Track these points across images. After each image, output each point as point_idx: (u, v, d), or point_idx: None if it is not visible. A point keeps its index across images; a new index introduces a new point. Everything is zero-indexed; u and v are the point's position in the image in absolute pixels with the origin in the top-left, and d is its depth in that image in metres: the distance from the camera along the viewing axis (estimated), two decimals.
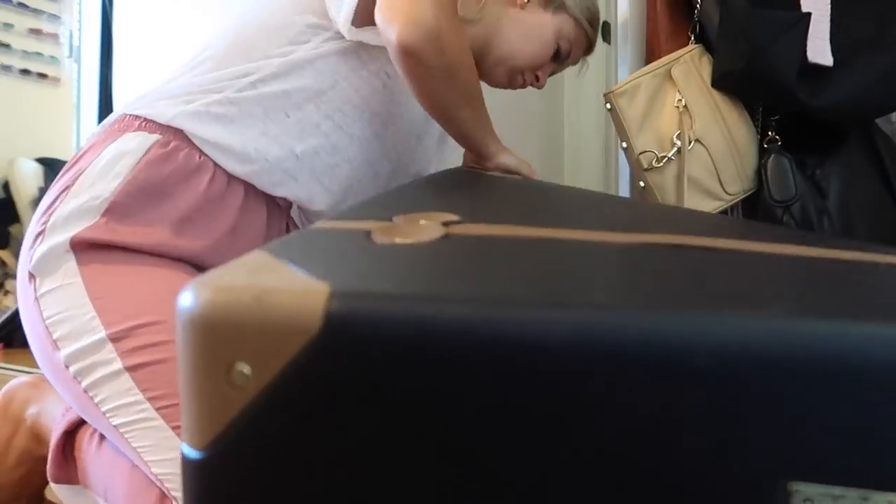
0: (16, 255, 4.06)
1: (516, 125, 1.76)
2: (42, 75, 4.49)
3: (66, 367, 0.72)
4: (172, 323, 0.73)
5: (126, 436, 0.69)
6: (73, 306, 0.72)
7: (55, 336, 0.73)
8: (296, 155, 0.85)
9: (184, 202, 0.79)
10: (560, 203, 0.67)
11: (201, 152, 0.80)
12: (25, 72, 4.41)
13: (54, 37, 4.59)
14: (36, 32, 4.52)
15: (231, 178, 0.83)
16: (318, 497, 0.27)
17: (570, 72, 1.94)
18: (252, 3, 0.92)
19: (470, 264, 0.35)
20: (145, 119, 0.81)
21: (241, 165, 0.82)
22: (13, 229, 4.11)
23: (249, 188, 0.85)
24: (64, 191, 0.78)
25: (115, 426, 0.70)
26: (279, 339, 0.27)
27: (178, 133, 0.80)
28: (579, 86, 1.93)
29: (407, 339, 0.26)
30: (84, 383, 0.72)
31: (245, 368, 0.27)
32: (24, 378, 1.02)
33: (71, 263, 0.74)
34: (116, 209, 0.76)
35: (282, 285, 0.28)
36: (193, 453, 0.29)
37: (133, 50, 2.29)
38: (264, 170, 0.84)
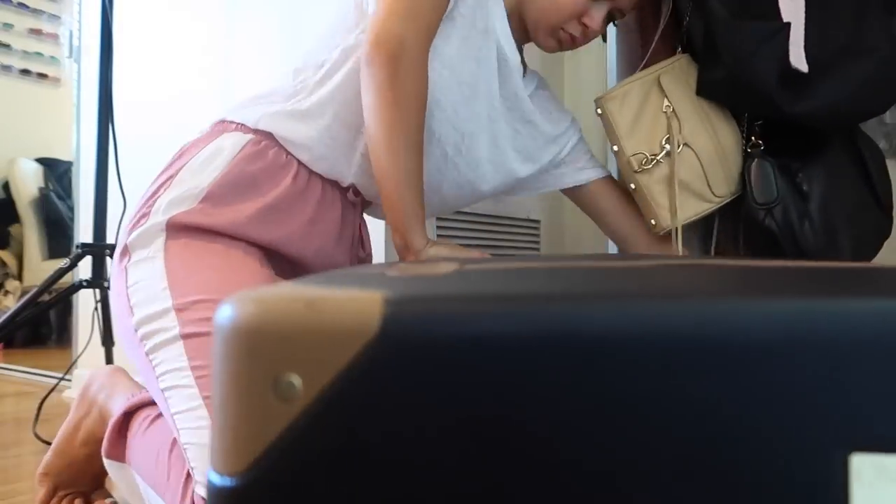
0: (16, 255, 4.07)
1: None
2: (42, 75, 4.52)
3: (136, 330, 0.81)
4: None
5: (168, 400, 0.75)
6: (153, 277, 0.81)
7: (132, 301, 0.82)
8: (362, 132, 0.92)
9: (271, 194, 0.90)
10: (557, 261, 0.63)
11: (287, 151, 0.93)
12: (25, 72, 4.44)
13: (54, 37, 4.62)
14: (36, 32, 4.55)
15: (311, 173, 0.94)
16: None
17: (569, 72, 1.97)
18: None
19: (496, 279, 0.34)
20: (239, 123, 0.94)
21: (312, 157, 0.94)
22: (13, 229, 4.13)
23: (326, 183, 0.96)
24: (168, 180, 0.90)
25: (162, 389, 0.76)
26: (333, 345, 0.25)
27: (268, 134, 0.93)
28: (579, 86, 1.96)
29: (467, 338, 0.25)
30: (147, 346, 0.79)
31: (295, 379, 0.25)
32: (108, 367, 1.12)
33: (160, 240, 0.84)
34: (212, 197, 0.87)
35: (334, 293, 0.26)
36: (226, 481, 0.25)
37: (133, 50, 2.31)
38: (339, 157, 0.94)
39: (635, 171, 1.13)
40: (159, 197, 0.88)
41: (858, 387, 0.23)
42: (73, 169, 2.65)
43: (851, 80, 1.06)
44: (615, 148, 1.16)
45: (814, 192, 1.15)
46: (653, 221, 1.16)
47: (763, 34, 1.04)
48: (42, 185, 4.05)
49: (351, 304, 0.25)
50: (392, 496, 0.24)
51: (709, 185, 1.15)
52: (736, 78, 1.06)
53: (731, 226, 1.25)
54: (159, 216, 0.86)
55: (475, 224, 1.64)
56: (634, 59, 1.22)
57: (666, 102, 1.13)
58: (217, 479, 0.26)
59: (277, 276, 0.90)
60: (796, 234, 1.13)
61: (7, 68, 4.44)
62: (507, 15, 0.99)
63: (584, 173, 1.18)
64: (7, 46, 4.46)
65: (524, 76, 1.10)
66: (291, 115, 0.93)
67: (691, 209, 1.15)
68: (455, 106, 0.95)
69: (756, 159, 1.14)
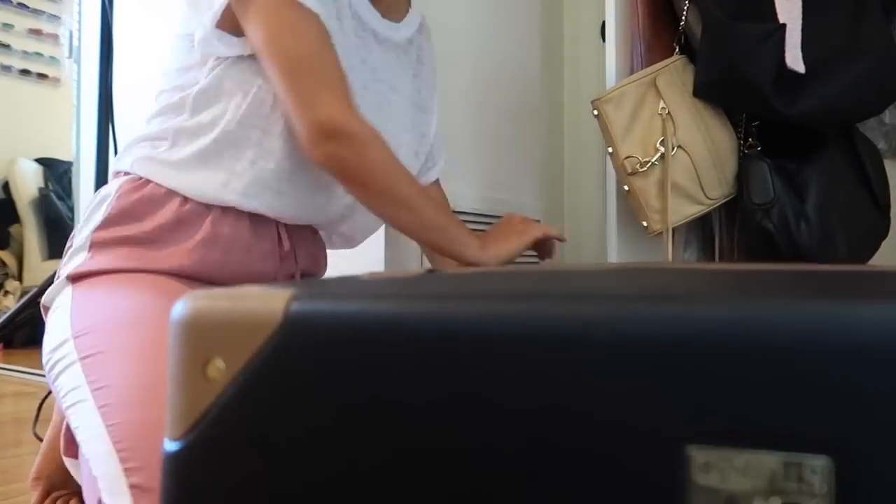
0: (16, 255, 4.08)
1: (516, 125, 1.79)
2: (42, 76, 4.52)
3: (47, 366, 0.84)
4: (127, 325, 0.80)
5: (71, 416, 0.77)
6: (60, 320, 0.84)
7: (45, 345, 0.85)
8: (237, 173, 0.90)
9: (154, 224, 0.89)
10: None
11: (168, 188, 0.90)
12: (25, 72, 4.44)
13: (54, 37, 4.61)
14: (36, 33, 4.55)
15: (200, 203, 0.91)
16: (284, 477, 0.31)
17: (569, 72, 1.97)
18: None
19: (436, 283, 0.39)
20: (122, 171, 0.94)
21: (202, 196, 0.90)
22: (13, 229, 4.14)
23: (220, 207, 0.91)
24: (73, 236, 0.93)
25: (66, 408, 0.78)
26: (247, 333, 0.32)
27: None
28: (579, 86, 1.97)
29: (354, 331, 0.30)
30: (52, 376, 0.82)
31: (219, 363, 0.32)
32: None
33: (67, 290, 0.88)
34: (96, 247, 0.89)
35: (254, 292, 0.34)
36: (172, 445, 0.33)
37: (133, 50, 2.31)
38: (217, 196, 0.90)
39: (629, 174, 1.13)
40: (66, 255, 0.92)
41: (694, 388, 0.25)
42: (73, 169, 2.65)
43: (848, 81, 1.06)
44: (610, 150, 1.16)
45: (811, 193, 1.15)
46: (645, 224, 1.16)
47: (759, 35, 1.04)
48: (42, 185, 4.05)
49: (262, 299, 0.32)
50: (291, 456, 0.31)
51: (702, 188, 1.16)
52: (732, 79, 1.06)
53: (728, 226, 1.25)
54: (63, 272, 0.89)
55: (475, 224, 1.64)
56: (632, 60, 1.23)
57: (661, 104, 1.13)
58: (167, 445, 0.33)
59: (192, 287, 0.88)
60: (793, 234, 1.13)
61: (7, 68, 4.44)
62: None
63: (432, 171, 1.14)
64: (7, 46, 4.46)
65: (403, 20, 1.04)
66: (163, 164, 0.90)
67: (684, 211, 1.15)
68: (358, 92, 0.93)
69: (753, 160, 1.15)
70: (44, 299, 0.90)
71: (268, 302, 0.32)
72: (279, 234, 0.95)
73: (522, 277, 0.40)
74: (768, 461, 0.24)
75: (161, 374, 0.76)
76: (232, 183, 0.90)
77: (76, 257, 0.89)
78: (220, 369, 0.32)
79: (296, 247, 0.98)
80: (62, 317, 0.84)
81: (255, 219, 0.93)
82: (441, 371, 0.29)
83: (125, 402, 0.73)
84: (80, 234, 0.91)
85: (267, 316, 0.31)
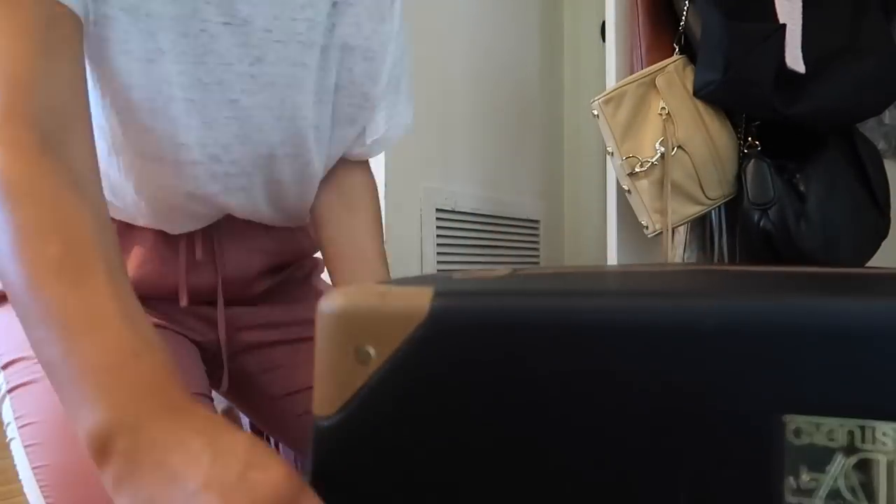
0: None
1: (516, 125, 1.79)
2: None
3: None
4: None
5: (12, 453, 0.71)
6: None
7: None
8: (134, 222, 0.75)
9: None
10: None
11: None
12: None
13: None
14: None
15: None
16: (423, 453, 0.36)
17: (569, 72, 1.98)
18: None
19: (541, 280, 0.44)
20: None
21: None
22: None
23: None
24: None
25: (7, 441, 0.72)
26: (396, 325, 0.37)
27: None
28: (579, 87, 1.97)
29: (494, 327, 0.36)
30: None
31: (370, 349, 0.37)
32: None
33: None
34: None
35: (399, 289, 0.38)
36: (323, 421, 0.38)
37: None
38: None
39: (629, 174, 1.13)
40: None
41: (790, 365, 0.32)
42: None
43: (848, 81, 1.06)
44: (610, 150, 1.16)
45: (811, 193, 1.15)
46: (645, 223, 1.16)
47: (759, 35, 1.04)
48: None
49: (409, 294, 0.37)
50: (432, 433, 0.36)
51: (702, 188, 1.16)
52: (732, 79, 1.06)
53: (729, 226, 1.26)
54: None
55: (475, 224, 1.64)
56: (632, 60, 1.23)
57: (661, 104, 1.13)
58: (318, 421, 0.38)
59: None
60: (792, 234, 1.13)
61: None
62: None
63: None
64: None
65: None
66: None
67: (684, 211, 1.16)
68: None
69: (752, 160, 1.15)
70: None
71: (415, 298, 0.37)
72: (189, 242, 0.76)
73: (632, 277, 0.46)
74: (848, 424, 0.31)
75: None
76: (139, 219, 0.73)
77: None
78: (371, 356, 0.37)
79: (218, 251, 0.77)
80: None
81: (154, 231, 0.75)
82: (569, 358, 0.34)
83: (52, 442, 0.65)
84: None
85: (415, 310, 0.36)
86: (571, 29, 1.97)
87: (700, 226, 1.31)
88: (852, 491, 0.30)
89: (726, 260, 1.27)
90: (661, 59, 1.16)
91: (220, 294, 0.78)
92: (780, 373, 0.31)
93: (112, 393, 0.42)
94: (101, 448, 0.40)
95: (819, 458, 0.31)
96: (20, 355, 0.70)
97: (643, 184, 1.13)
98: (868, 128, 1.35)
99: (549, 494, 0.34)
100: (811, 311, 0.32)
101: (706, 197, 1.16)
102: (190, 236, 0.75)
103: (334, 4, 0.70)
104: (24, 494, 0.72)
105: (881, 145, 1.67)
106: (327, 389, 0.38)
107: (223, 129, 0.67)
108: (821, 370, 0.31)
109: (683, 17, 1.14)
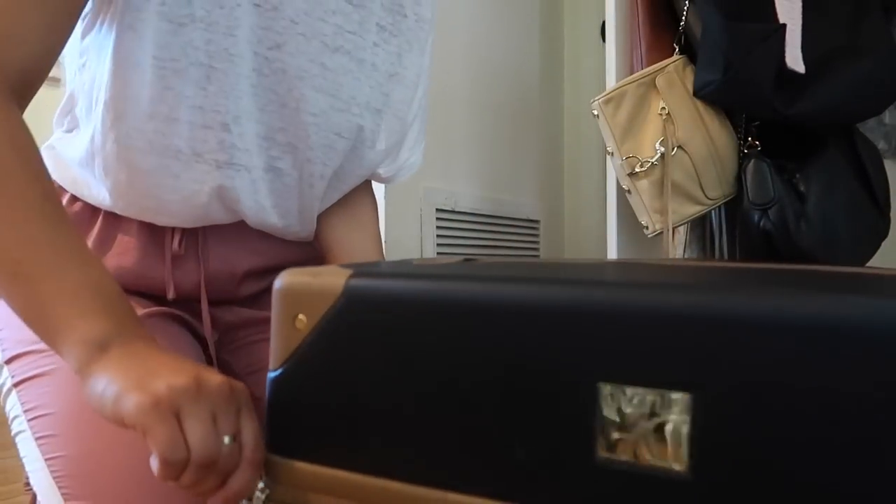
0: None
1: (516, 125, 1.80)
2: None
3: None
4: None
5: (18, 445, 0.71)
6: None
7: None
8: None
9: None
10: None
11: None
12: None
13: None
14: None
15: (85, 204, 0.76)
16: (339, 397, 0.46)
17: (569, 72, 1.97)
18: None
19: (455, 268, 0.51)
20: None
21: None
22: None
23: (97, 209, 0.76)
24: None
25: (14, 437, 0.72)
26: (321, 299, 0.47)
27: None
28: (579, 87, 1.97)
29: (388, 302, 0.45)
30: (1, 400, 0.74)
31: (303, 317, 0.47)
32: None
33: None
34: None
35: (328, 269, 0.49)
36: (273, 373, 0.49)
37: None
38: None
39: (629, 174, 1.13)
40: None
41: (606, 341, 0.38)
42: None
43: (848, 81, 1.06)
44: (610, 150, 1.16)
45: (811, 193, 1.15)
46: (645, 224, 1.16)
47: (759, 35, 1.04)
48: None
49: (333, 274, 0.47)
50: (348, 382, 0.46)
51: (701, 188, 1.16)
52: (732, 79, 1.06)
53: (729, 226, 1.25)
54: None
55: (475, 224, 1.64)
56: (632, 60, 1.23)
57: (661, 104, 1.13)
58: (270, 373, 0.49)
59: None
60: (792, 234, 1.13)
61: None
62: None
63: None
64: None
65: None
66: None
67: (684, 211, 1.16)
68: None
69: (753, 160, 1.15)
70: None
71: (336, 277, 0.47)
72: (173, 235, 0.76)
73: (514, 268, 0.52)
74: (650, 393, 0.37)
75: None
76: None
77: None
78: (303, 322, 0.47)
79: (203, 247, 0.77)
80: None
81: (144, 225, 0.75)
82: (437, 331, 0.43)
83: (67, 433, 0.66)
84: None
85: (334, 287, 0.47)
86: (571, 29, 1.97)
87: (700, 226, 1.31)
88: (651, 451, 0.37)
89: (727, 260, 1.27)
90: (661, 59, 1.16)
91: (203, 289, 0.78)
92: (597, 347, 0.38)
93: (106, 311, 0.53)
94: (100, 347, 0.51)
95: (626, 421, 0.37)
96: (25, 349, 0.71)
97: (643, 184, 1.13)
98: (868, 128, 1.35)
99: (423, 433, 0.43)
100: (623, 297, 0.39)
101: (706, 197, 1.15)
102: (176, 230, 0.76)
103: (381, 29, 0.77)
104: (24, 493, 0.71)
105: (881, 145, 1.67)
106: (275, 348, 0.49)
107: (236, 101, 0.70)
108: (630, 346, 0.37)
109: (683, 17, 1.14)
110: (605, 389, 0.38)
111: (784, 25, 1.04)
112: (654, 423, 0.37)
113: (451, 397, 0.42)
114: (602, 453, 0.38)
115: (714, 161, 1.15)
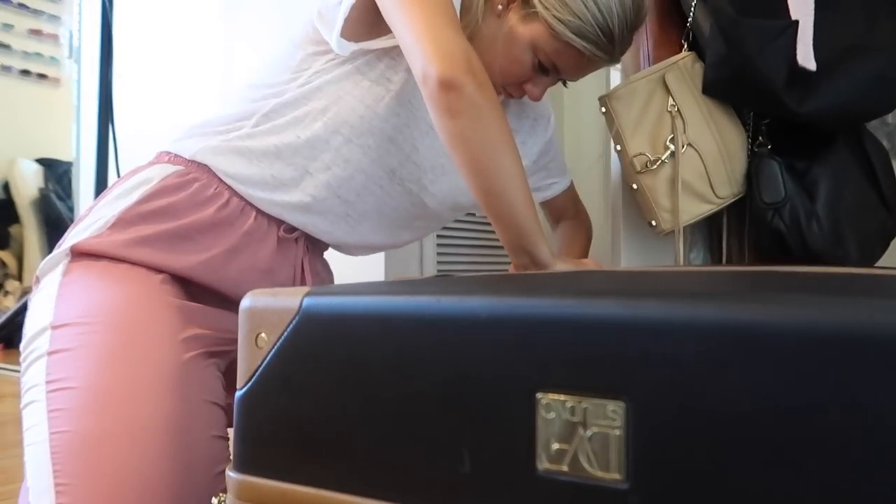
0: (16, 256, 4.06)
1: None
2: (42, 76, 4.50)
3: (22, 356, 0.78)
4: (105, 325, 0.73)
5: (24, 417, 0.72)
6: (44, 304, 0.78)
7: (25, 331, 0.79)
8: (309, 173, 0.89)
9: (181, 222, 0.84)
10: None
11: (221, 182, 0.88)
12: (25, 72, 4.43)
13: (54, 38, 4.60)
14: (36, 33, 4.53)
15: (247, 205, 0.89)
16: (302, 409, 0.48)
17: None
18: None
19: (414, 285, 0.54)
20: (175, 154, 0.90)
21: (261, 192, 0.89)
22: (13, 230, 4.12)
23: (261, 217, 0.90)
24: (91, 208, 0.87)
25: (22, 408, 0.73)
26: (280, 318, 0.49)
27: (203, 167, 0.88)
28: (579, 87, 1.95)
29: (339, 319, 0.47)
30: (22, 367, 0.76)
31: (265, 335, 0.50)
32: None
33: (59, 268, 0.81)
34: (119, 224, 0.83)
35: (287, 290, 0.51)
36: (240, 391, 0.51)
37: (133, 50, 2.30)
38: (282, 192, 0.89)
39: (638, 172, 1.12)
40: (78, 224, 0.86)
41: (543, 351, 0.39)
42: (73, 169, 2.64)
43: (860, 80, 1.04)
44: (618, 147, 1.14)
45: (820, 192, 1.14)
46: (654, 223, 1.15)
47: (770, 32, 1.02)
48: (42, 185, 4.04)
49: (291, 294, 0.50)
50: (306, 396, 0.48)
51: (711, 187, 1.14)
52: (742, 76, 1.05)
53: (736, 226, 1.24)
54: (66, 243, 0.83)
55: (475, 224, 1.63)
56: (639, 57, 1.21)
57: (671, 101, 1.11)
58: (237, 391, 0.51)
59: (187, 302, 0.82)
60: (804, 233, 1.12)
61: (7, 69, 4.43)
62: None
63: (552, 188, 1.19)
64: (7, 47, 4.46)
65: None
66: (233, 150, 0.89)
67: (693, 210, 1.14)
68: (413, 141, 0.92)
69: (763, 159, 1.13)
70: (39, 269, 0.84)
71: (292, 297, 0.49)
72: (302, 263, 0.94)
73: (473, 281, 0.55)
74: (586, 402, 0.38)
75: (128, 379, 0.71)
76: (304, 182, 0.89)
77: (90, 228, 0.83)
78: (265, 340, 0.49)
79: (309, 276, 0.95)
80: (45, 302, 0.78)
81: (284, 243, 0.92)
82: (391, 347, 0.45)
83: (81, 409, 0.68)
84: (102, 210, 0.84)
85: (290, 306, 0.49)
86: None
87: (706, 226, 1.29)
88: (589, 461, 0.37)
89: (734, 261, 1.26)
90: (669, 56, 1.14)
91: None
92: (534, 357, 0.39)
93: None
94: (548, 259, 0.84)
95: (565, 431, 0.38)
96: (73, 320, 0.75)
97: (652, 182, 1.12)
98: (871, 127, 1.34)
99: (374, 447, 0.45)
100: (557, 307, 0.39)
101: (716, 196, 1.14)
102: (302, 259, 0.95)
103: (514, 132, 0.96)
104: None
105: (885, 144, 1.66)
106: (241, 368, 0.51)
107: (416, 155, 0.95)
108: (566, 355, 0.38)
109: (692, 13, 1.12)
110: (542, 398, 0.38)
111: (796, 22, 1.02)
112: (590, 432, 0.37)
113: (399, 411, 0.44)
114: (542, 464, 0.38)
115: (724, 159, 1.13)
